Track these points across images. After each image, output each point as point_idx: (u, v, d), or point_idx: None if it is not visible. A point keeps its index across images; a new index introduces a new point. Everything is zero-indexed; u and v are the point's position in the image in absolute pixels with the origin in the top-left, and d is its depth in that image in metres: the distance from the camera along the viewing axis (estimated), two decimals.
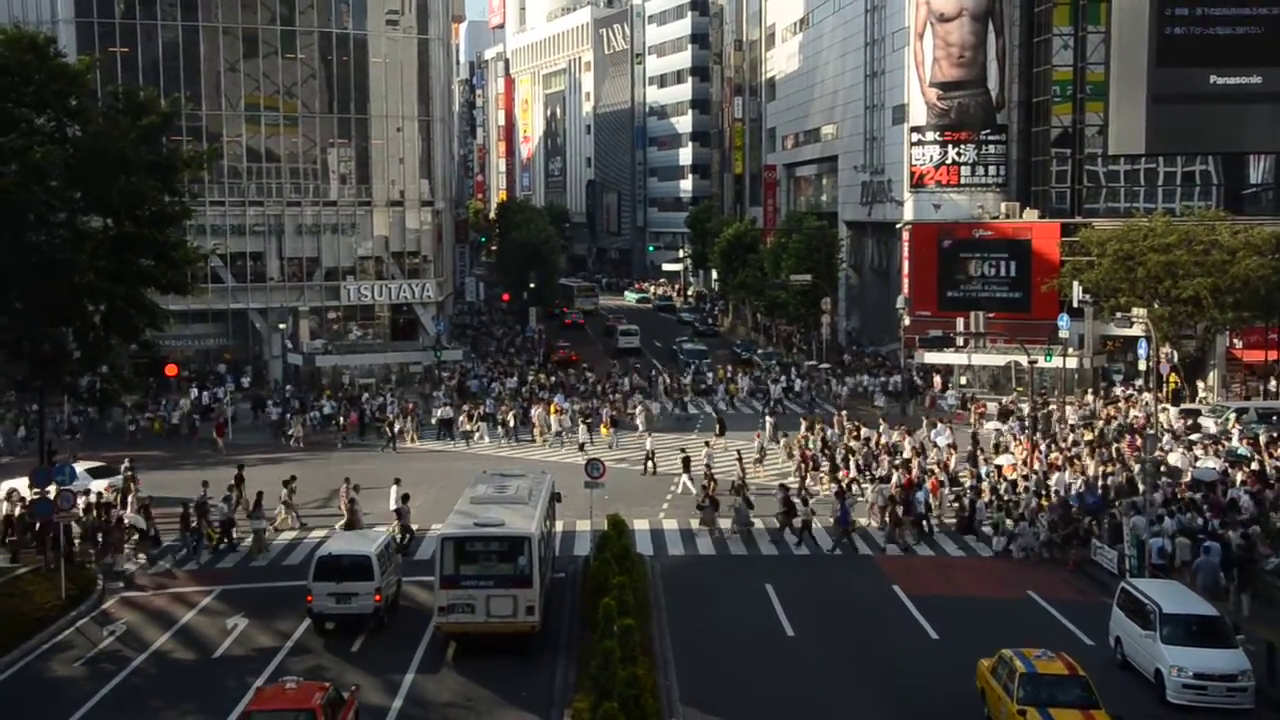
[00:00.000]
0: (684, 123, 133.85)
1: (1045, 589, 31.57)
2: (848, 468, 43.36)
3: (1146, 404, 51.23)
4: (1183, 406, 52.71)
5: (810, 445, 46.61)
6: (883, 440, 47.20)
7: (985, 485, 40.10)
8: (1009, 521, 35.96)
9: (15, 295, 34.76)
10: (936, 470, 42.26)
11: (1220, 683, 23.55)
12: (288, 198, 70.01)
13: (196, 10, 66.87)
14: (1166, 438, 45.46)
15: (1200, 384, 57.97)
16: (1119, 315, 51.16)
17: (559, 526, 34.39)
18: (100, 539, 34.68)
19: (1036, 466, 42.53)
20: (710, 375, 67.36)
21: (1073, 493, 38.03)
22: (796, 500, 38.01)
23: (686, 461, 43.66)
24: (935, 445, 46.78)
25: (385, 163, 72.67)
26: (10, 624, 27.96)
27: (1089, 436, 47.70)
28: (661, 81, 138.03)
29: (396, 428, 52.21)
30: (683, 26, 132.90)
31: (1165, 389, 53.49)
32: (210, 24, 67.15)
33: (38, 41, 35.79)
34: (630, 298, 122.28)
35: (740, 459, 43.44)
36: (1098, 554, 33.32)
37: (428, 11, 74.48)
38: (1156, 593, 25.83)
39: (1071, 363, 56.98)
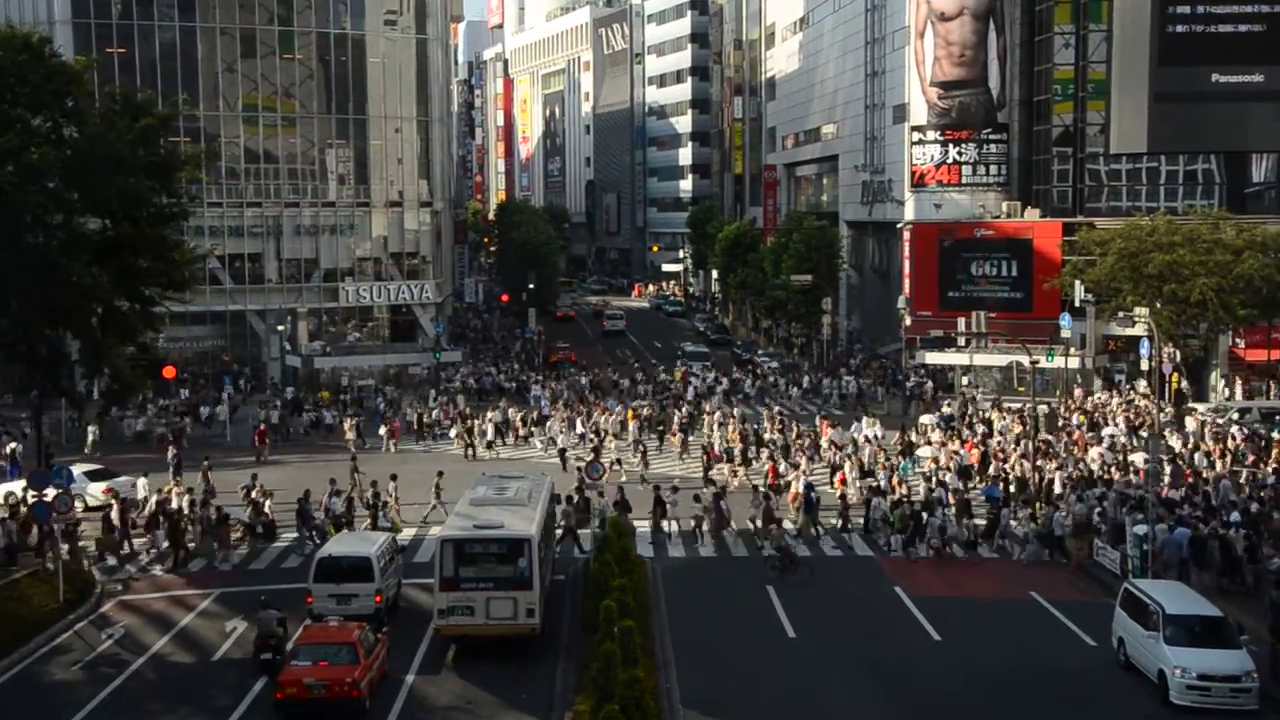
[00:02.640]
0: (683, 123, 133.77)
1: (1048, 590, 31.42)
2: (775, 463, 43.38)
3: (1143, 405, 51.40)
4: (1188, 407, 52.66)
5: (718, 443, 46.86)
6: (800, 436, 47.70)
7: (895, 479, 40.33)
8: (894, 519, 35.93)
9: (12, 297, 34.67)
10: (848, 465, 42.30)
11: (1224, 683, 23.40)
12: (286, 199, 69.83)
13: (194, 11, 66.67)
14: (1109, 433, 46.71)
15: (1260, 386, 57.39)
16: (1121, 315, 51.14)
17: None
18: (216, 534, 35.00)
19: (953, 462, 42.96)
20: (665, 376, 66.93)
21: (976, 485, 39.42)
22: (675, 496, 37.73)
23: (597, 451, 45.22)
24: (866, 440, 47.01)
25: (384, 163, 72.49)
26: (8, 627, 27.79)
27: (1017, 430, 48.29)
28: (661, 81, 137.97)
29: (453, 433, 51.13)
30: (682, 26, 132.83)
31: (1168, 389, 53.39)
32: (208, 25, 66.96)
33: (31, 41, 35.69)
34: (647, 302, 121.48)
35: (644, 454, 45.16)
36: (1100, 554, 33.21)
37: (426, 12, 74.31)
38: (1159, 593, 25.68)
39: (1074, 363, 56.85)
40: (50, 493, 31.77)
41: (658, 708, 22.31)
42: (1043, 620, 29.38)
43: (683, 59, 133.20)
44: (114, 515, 35.45)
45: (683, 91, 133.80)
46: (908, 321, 63.89)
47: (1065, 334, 56.35)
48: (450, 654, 26.47)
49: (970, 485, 40.74)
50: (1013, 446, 44.79)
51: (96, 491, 39.16)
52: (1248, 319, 54.26)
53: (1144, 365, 54.70)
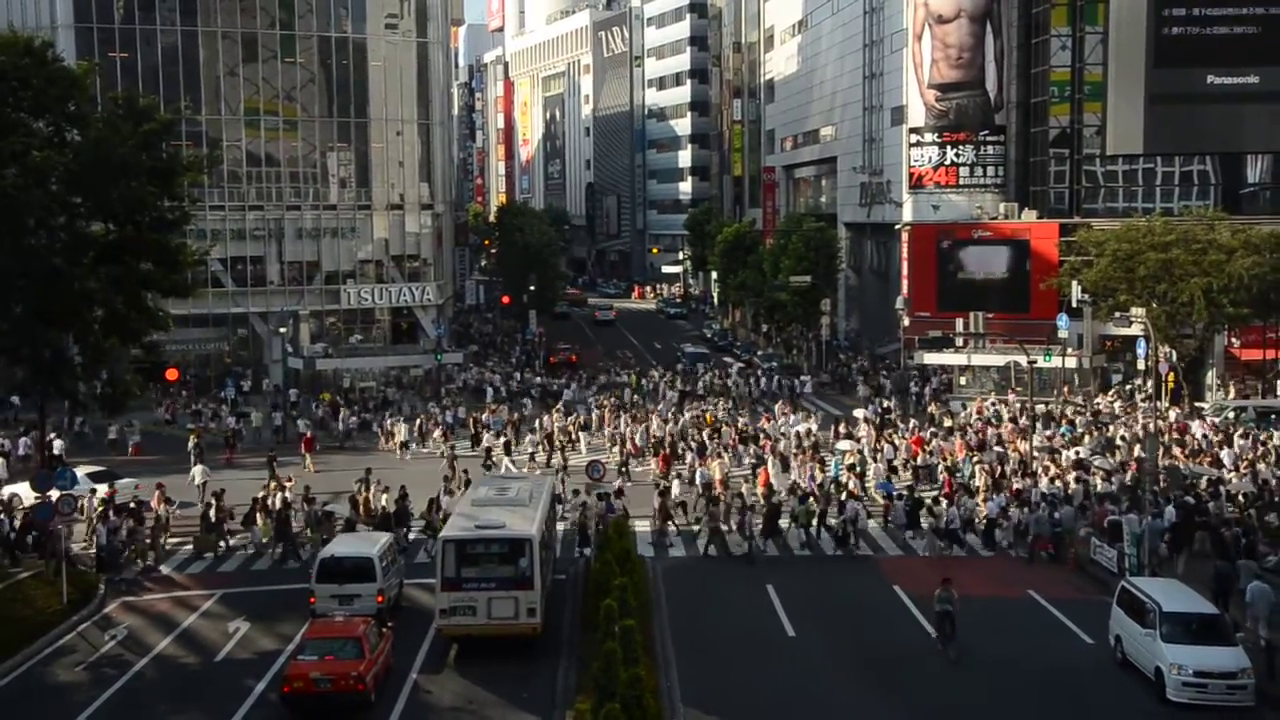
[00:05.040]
0: (683, 125, 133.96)
1: (1045, 588, 31.61)
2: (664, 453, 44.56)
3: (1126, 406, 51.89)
4: (1197, 406, 53.03)
5: (639, 438, 47.60)
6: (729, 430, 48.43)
7: (818, 472, 41.08)
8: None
9: (16, 300, 34.85)
10: (770, 460, 42.65)
11: (1220, 680, 23.56)
12: (287, 202, 70.06)
13: (196, 15, 66.90)
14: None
15: None
16: (1118, 315, 51.34)
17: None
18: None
19: (878, 455, 43.75)
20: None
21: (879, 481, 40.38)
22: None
23: (508, 445, 47.33)
24: (805, 433, 47.72)
25: (385, 166, 72.71)
26: (12, 628, 27.98)
27: (948, 423, 49.31)
28: (660, 84, 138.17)
29: (501, 440, 49.55)
30: (681, 29, 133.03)
31: (1164, 388, 53.63)
32: (209, 29, 67.19)
33: (33, 46, 35.90)
34: (651, 304, 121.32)
35: (555, 448, 46.19)
36: (1097, 553, 33.42)
37: (426, 15, 74.58)
38: (1156, 591, 25.88)
39: (1071, 362, 57.05)
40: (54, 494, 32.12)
41: (659, 706, 22.46)
42: (1040, 618, 29.55)
43: (682, 62, 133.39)
44: (211, 513, 35.97)
45: (682, 94, 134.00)
46: (906, 322, 64.08)
47: (1062, 334, 56.59)
48: (452, 653, 26.65)
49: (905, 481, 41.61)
50: (944, 439, 46.18)
51: (100, 492, 39.24)
52: (1237, 319, 54.47)
53: (1140, 365, 54.88)
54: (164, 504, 37.01)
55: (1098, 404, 54.45)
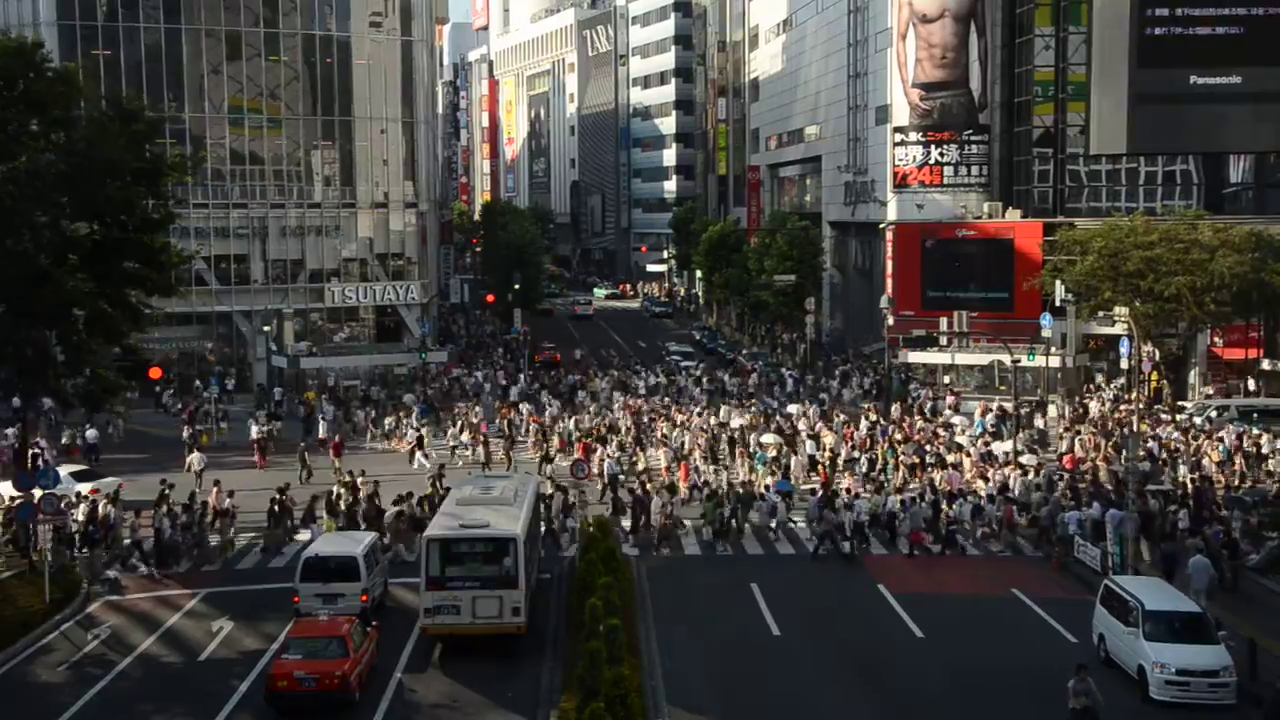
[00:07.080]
0: (668, 124, 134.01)
1: (1029, 587, 31.73)
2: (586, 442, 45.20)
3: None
4: (1178, 405, 53.22)
5: (559, 434, 48.00)
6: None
7: (746, 467, 41.80)
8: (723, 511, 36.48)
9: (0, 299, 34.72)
10: (696, 455, 42.93)
11: (1202, 678, 23.74)
12: (271, 200, 69.74)
13: (179, 13, 66.46)
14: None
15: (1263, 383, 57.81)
16: (1101, 314, 51.57)
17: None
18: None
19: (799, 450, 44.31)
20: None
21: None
22: None
23: (420, 440, 47.37)
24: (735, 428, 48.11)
25: (369, 165, 72.43)
26: None
27: (873, 417, 50.09)
28: (645, 83, 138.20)
29: (530, 442, 48.93)
30: (666, 28, 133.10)
31: (1147, 387, 53.83)
32: (193, 26, 66.78)
33: (25, 46, 35.76)
34: (637, 303, 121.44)
35: (490, 445, 46.88)
36: (1080, 551, 33.55)
37: (411, 13, 74.26)
38: (1139, 590, 26.03)
39: (1054, 362, 57.25)
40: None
41: (643, 705, 22.48)
42: (1024, 617, 29.67)
43: (667, 60, 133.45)
44: (277, 509, 36.01)
45: (667, 93, 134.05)
46: (890, 321, 64.15)
47: (1046, 333, 56.74)
48: (436, 652, 26.64)
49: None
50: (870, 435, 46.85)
51: (83, 491, 39.13)
52: (1220, 316, 54.71)
53: (1124, 364, 55.08)
54: (227, 499, 36.84)
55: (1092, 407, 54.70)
